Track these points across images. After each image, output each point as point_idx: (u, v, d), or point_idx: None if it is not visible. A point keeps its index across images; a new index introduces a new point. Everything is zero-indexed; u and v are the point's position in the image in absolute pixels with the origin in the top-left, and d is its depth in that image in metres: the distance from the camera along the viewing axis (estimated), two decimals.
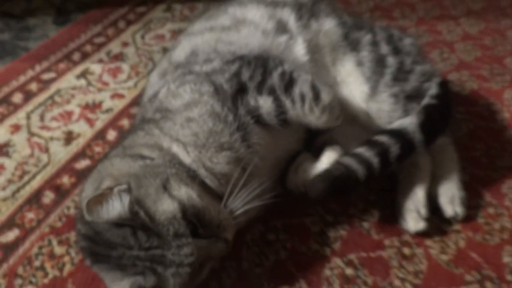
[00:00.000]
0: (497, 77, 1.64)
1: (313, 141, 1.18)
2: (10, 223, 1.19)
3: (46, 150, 1.41)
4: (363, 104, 1.18)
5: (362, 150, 1.04)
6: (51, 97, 1.64)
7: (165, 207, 0.84)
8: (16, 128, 1.50)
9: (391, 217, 1.14)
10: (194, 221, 0.85)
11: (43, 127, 1.50)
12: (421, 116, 1.09)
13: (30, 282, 1.05)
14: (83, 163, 1.36)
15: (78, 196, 1.17)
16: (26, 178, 1.32)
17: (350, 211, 1.17)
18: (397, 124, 1.11)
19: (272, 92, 1.03)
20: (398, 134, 1.07)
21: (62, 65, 1.81)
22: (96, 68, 1.80)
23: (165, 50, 1.87)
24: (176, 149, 0.95)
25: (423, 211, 1.08)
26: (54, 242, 1.13)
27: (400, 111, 1.15)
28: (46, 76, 1.75)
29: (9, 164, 1.37)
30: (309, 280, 1.03)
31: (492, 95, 1.55)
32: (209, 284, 1.02)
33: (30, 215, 1.21)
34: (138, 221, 0.82)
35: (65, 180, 1.31)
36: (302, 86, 1.04)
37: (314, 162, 1.13)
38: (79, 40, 1.98)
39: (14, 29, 2.12)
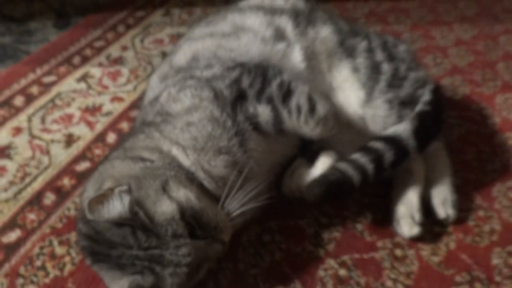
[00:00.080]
0: (489, 82, 1.66)
1: (309, 147, 1.20)
2: (12, 224, 1.20)
3: (47, 153, 1.43)
4: (359, 110, 1.18)
5: (357, 156, 1.06)
6: (52, 100, 1.66)
7: (164, 208, 0.86)
8: (17, 130, 1.52)
9: (384, 219, 1.16)
10: (192, 222, 0.87)
11: (44, 130, 1.52)
12: (414, 123, 1.11)
13: (32, 282, 1.06)
14: (83, 165, 1.38)
15: (78, 198, 1.19)
16: (27, 180, 1.33)
17: (344, 213, 1.19)
18: (391, 130, 1.12)
19: (270, 101, 1.04)
20: (393, 141, 1.08)
21: (62, 69, 1.83)
22: (96, 71, 1.81)
23: (163, 54, 1.89)
24: (175, 152, 0.96)
25: (417, 216, 1.10)
26: (55, 243, 1.15)
27: (395, 117, 1.16)
28: (47, 80, 1.77)
29: (11, 166, 1.38)
30: (303, 281, 1.04)
31: (484, 100, 1.57)
32: (206, 284, 1.03)
33: (32, 216, 1.22)
34: (137, 221, 0.83)
35: (66, 182, 1.33)
36: (299, 97, 1.06)
37: (309, 168, 1.15)
38: (79, 44, 2.00)
39: (15, 33, 2.13)
